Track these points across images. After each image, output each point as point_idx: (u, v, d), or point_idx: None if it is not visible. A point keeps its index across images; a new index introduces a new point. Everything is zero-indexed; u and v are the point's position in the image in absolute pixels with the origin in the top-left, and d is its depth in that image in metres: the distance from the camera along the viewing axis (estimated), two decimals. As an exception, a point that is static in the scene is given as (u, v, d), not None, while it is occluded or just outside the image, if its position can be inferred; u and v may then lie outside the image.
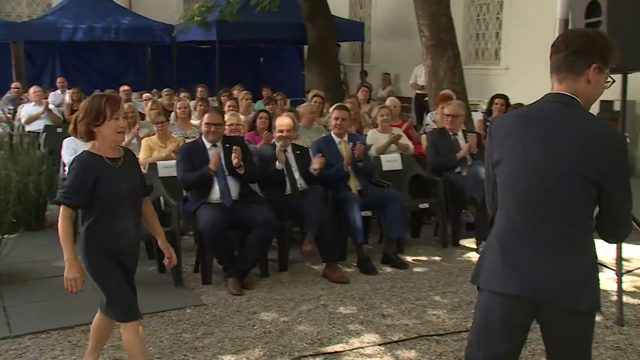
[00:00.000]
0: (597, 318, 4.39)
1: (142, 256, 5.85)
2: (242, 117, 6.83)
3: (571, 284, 2.22)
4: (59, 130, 8.75)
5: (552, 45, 2.35)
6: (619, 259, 4.42)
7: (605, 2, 4.03)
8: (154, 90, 12.53)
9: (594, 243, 2.28)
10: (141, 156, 6.57)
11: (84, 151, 3.23)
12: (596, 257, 2.30)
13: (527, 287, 2.26)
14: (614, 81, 2.38)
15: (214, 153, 5.26)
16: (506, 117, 2.44)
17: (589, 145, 2.18)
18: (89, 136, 3.19)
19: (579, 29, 2.39)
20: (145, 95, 10.65)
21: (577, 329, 2.30)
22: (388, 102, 8.01)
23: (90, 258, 3.20)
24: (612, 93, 4.43)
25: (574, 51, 2.28)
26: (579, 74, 2.28)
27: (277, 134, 5.81)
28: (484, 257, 2.41)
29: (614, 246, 4.56)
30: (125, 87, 10.96)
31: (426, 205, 6.30)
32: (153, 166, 6.06)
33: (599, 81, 2.29)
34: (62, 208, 3.17)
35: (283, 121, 5.85)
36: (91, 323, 4.35)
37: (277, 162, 5.65)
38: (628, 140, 4.44)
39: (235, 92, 10.32)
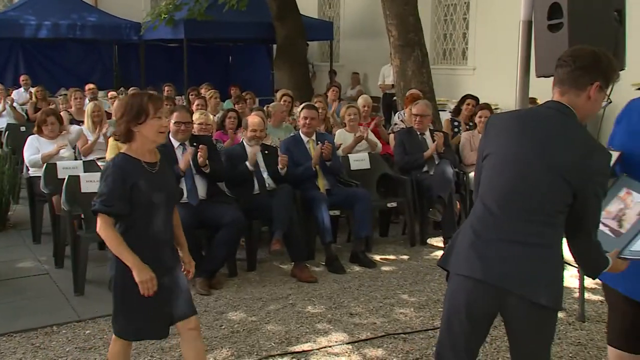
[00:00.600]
0: (560, 314, 4.50)
1: (106, 256, 5.80)
2: (211, 116, 6.78)
3: (534, 277, 2.30)
4: (23, 128, 8.59)
5: (559, 59, 2.44)
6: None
7: (566, 3, 4.11)
8: (121, 89, 12.37)
9: (562, 243, 2.36)
10: (108, 155, 6.49)
11: (119, 153, 2.97)
12: (563, 257, 2.38)
13: (491, 273, 2.34)
14: (610, 101, 2.47)
15: (186, 154, 5.20)
16: (503, 116, 2.52)
17: (580, 157, 2.28)
18: (127, 137, 2.94)
19: (585, 46, 2.48)
20: (111, 93, 10.52)
21: (537, 323, 2.36)
22: (360, 100, 8.03)
23: (123, 266, 2.89)
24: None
25: (581, 67, 2.36)
26: (581, 89, 2.36)
27: (250, 134, 5.78)
28: (455, 241, 2.50)
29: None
30: (91, 86, 10.79)
31: (394, 204, 6.34)
32: (119, 165, 5.98)
33: (597, 99, 2.38)
34: (100, 218, 2.89)
35: (254, 120, 5.83)
36: (54, 325, 4.31)
37: (247, 162, 5.63)
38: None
39: (202, 90, 10.24)
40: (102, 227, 2.89)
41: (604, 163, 2.30)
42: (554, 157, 2.30)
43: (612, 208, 2.53)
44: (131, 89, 10.56)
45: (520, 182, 2.34)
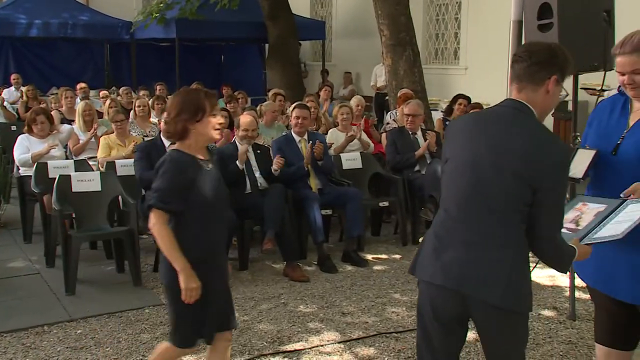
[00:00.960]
0: (551, 313, 4.54)
1: (100, 255, 5.81)
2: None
3: (494, 280, 2.26)
4: (13, 127, 8.56)
5: (515, 55, 2.41)
6: (572, 255, 4.54)
7: (556, 4, 4.14)
8: (113, 88, 12.33)
9: (526, 244, 2.31)
10: (99, 155, 6.50)
11: (173, 150, 2.85)
12: (527, 258, 2.33)
13: (450, 278, 2.32)
14: (567, 94, 2.47)
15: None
16: (462, 118, 2.54)
17: (533, 152, 2.25)
18: (182, 135, 2.82)
19: (540, 42, 2.47)
20: (103, 92, 10.49)
21: (504, 327, 2.33)
22: (354, 100, 8.05)
23: (177, 280, 2.76)
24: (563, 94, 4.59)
25: (537, 62, 2.34)
26: (539, 84, 2.34)
27: (241, 133, 5.78)
28: (420, 247, 2.48)
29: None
30: (83, 85, 10.75)
31: (386, 203, 6.36)
32: (111, 165, 5.99)
33: (555, 92, 2.37)
34: (155, 214, 2.75)
35: (246, 120, 5.83)
36: (45, 325, 4.30)
37: (237, 162, 5.63)
38: (578, 140, 4.57)
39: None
40: (156, 224, 2.75)
41: (559, 156, 2.25)
42: (505, 155, 2.27)
43: (569, 215, 2.55)
44: (122, 88, 10.54)
45: (476, 184, 2.31)
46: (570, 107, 9.45)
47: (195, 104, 2.79)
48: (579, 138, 4.59)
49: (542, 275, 5.22)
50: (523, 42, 4.53)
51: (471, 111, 6.86)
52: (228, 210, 3.00)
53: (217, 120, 2.86)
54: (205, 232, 2.83)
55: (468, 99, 7.85)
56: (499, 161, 2.28)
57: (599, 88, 4.14)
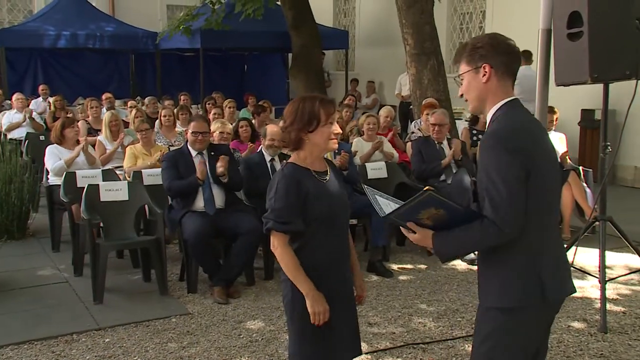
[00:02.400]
0: (581, 325, 4.46)
1: (127, 264, 5.85)
2: (230, 125, 6.83)
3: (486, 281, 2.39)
4: (42, 137, 8.68)
5: (518, 53, 2.42)
6: (602, 266, 4.47)
7: (587, 12, 4.10)
8: (138, 97, 12.47)
9: (524, 241, 2.27)
10: (126, 164, 6.56)
11: (288, 164, 2.73)
12: (522, 255, 2.28)
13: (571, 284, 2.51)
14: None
15: (199, 162, 5.24)
16: (526, 124, 2.38)
17: None
18: (297, 145, 2.71)
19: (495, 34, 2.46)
20: (131, 102, 10.62)
21: (484, 323, 2.38)
22: (383, 111, 8.01)
23: (301, 295, 2.66)
24: (593, 102, 4.52)
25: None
26: None
27: (267, 142, 5.79)
28: (541, 267, 2.37)
29: (596, 254, 4.61)
30: (109, 95, 10.90)
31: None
32: (138, 174, 6.04)
33: None
34: (275, 237, 2.65)
35: (273, 130, 5.84)
36: (74, 333, 4.34)
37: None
38: (609, 150, 4.51)
39: (217, 99, 10.30)
40: (278, 246, 2.65)
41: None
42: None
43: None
44: (148, 98, 10.64)
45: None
46: (597, 115, 9.38)
47: (310, 113, 2.68)
48: (609, 147, 4.55)
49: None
50: (552, 51, 4.50)
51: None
52: (346, 222, 2.87)
53: (334, 129, 2.72)
54: (326, 250, 2.71)
55: None
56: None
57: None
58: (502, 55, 2.35)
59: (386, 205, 2.47)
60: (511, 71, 2.38)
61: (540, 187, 2.27)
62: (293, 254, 2.66)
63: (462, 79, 2.43)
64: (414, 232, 2.37)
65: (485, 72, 2.34)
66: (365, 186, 2.60)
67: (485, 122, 2.41)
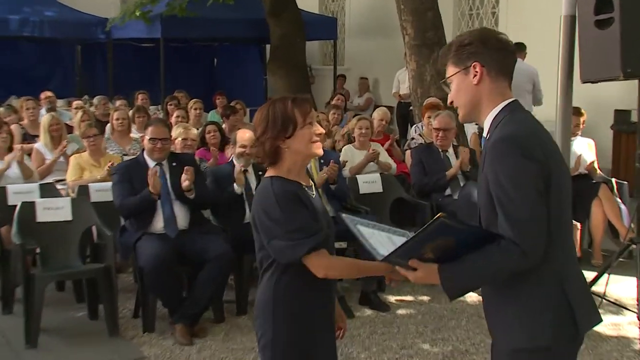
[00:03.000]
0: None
1: (69, 298, 5.79)
2: (195, 131, 6.81)
3: None
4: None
5: (512, 48, 2.46)
6: (641, 299, 4.47)
7: (619, -5, 4.11)
8: (85, 97, 12.40)
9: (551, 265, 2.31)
10: (70, 177, 6.51)
11: (273, 179, 2.70)
12: (550, 282, 2.31)
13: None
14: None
15: (151, 172, 5.19)
16: (537, 129, 2.41)
17: None
18: (274, 157, 2.70)
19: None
20: (77, 103, 10.53)
21: None
22: (377, 113, 8.04)
23: (281, 320, 2.71)
24: (628, 102, 4.54)
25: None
26: None
27: (238, 150, 5.78)
28: (574, 294, 2.41)
29: (634, 285, 4.61)
30: (49, 94, 10.80)
31: (411, 234, 6.29)
32: (84, 190, 5.99)
33: None
34: (314, 259, 2.61)
35: (244, 135, 5.83)
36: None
37: (235, 185, 5.62)
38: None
39: (181, 99, 10.28)
40: (327, 267, 2.64)
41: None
42: None
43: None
44: (97, 97, 10.59)
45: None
46: (634, 117, 9.45)
47: (283, 116, 2.68)
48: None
49: (605, 323, 5.13)
50: (577, 40, 4.52)
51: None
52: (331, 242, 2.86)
53: (315, 130, 2.72)
54: (311, 281, 2.68)
55: None
56: None
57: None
58: (493, 52, 2.38)
59: (375, 239, 2.44)
60: (506, 69, 2.41)
61: (561, 202, 2.29)
62: (340, 257, 2.78)
63: (450, 83, 2.46)
64: (414, 269, 2.34)
65: (476, 71, 2.37)
66: (344, 215, 2.57)
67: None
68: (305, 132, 2.69)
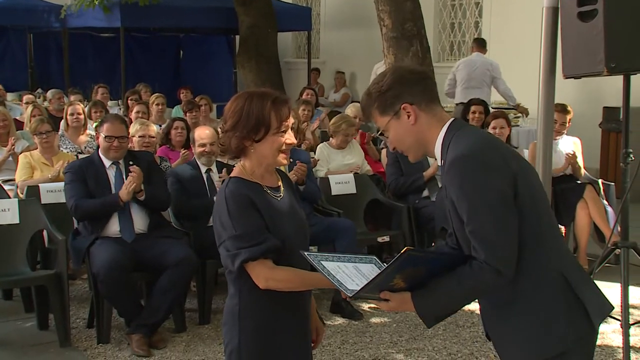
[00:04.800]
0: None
1: (17, 307, 5.75)
2: (154, 127, 6.79)
3: None
4: None
5: (422, 72, 2.58)
6: (625, 306, 4.51)
7: (603, -13, 4.16)
8: (38, 90, 12.30)
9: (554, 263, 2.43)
10: (18, 177, 6.46)
11: (231, 178, 2.74)
12: (558, 281, 2.41)
13: None
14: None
15: (133, 173, 5.19)
16: (486, 137, 2.53)
17: None
18: (239, 154, 2.74)
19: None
20: (27, 97, 10.45)
21: None
22: (351, 110, 8.06)
23: (249, 343, 2.72)
24: (618, 98, 4.61)
25: None
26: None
27: (198, 149, 5.79)
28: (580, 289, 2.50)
29: (618, 292, 4.67)
30: (-4, 86, 10.73)
31: (386, 238, 6.34)
32: (34, 190, 5.94)
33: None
34: (256, 268, 2.63)
35: (202, 132, 5.84)
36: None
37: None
38: (631, 158, 4.59)
39: (142, 94, 10.23)
40: (268, 278, 2.63)
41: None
42: None
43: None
44: (51, 91, 10.51)
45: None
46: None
47: (257, 117, 2.66)
48: (631, 156, 4.64)
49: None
50: (559, 33, 4.57)
51: (492, 123, 6.87)
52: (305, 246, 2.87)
53: (286, 139, 2.71)
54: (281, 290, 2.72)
55: (484, 104, 7.84)
56: None
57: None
58: (415, 86, 2.47)
59: (342, 274, 2.47)
60: (434, 96, 2.50)
61: (536, 201, 2.37)
62: (285, 268, 2.66)
63: (386, 133, 2.52)
64: (387, 300, 2.40)
65: (408, 112, 2.45)
66: (305, 253, 2.58)
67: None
68: (276, 139, 2.70)
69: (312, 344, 2.96)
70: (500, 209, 2.27)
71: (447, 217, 2.49)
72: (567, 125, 7.12)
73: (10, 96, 11.28)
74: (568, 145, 7.16)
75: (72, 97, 10.03)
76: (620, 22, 4.22)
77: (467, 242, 2.35)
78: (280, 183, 2.83)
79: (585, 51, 4.35)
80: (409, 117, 2.43)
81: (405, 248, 2.25)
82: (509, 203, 2.29)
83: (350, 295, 2.40)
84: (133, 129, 6.30)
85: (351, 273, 2.46)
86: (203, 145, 5.76)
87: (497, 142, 2.45)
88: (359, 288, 2.38)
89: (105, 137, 5.34)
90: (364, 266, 2.49)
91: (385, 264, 2.42)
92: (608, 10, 4.19)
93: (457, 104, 9.59)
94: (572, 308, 2.36)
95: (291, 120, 2.78)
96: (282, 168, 5.98)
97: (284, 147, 2.71)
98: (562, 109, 6.82)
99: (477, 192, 2.28)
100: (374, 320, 5.64)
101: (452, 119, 2.48)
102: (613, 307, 2.53)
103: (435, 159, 2.48)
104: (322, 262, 2.50)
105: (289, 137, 2.73)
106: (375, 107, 2.48)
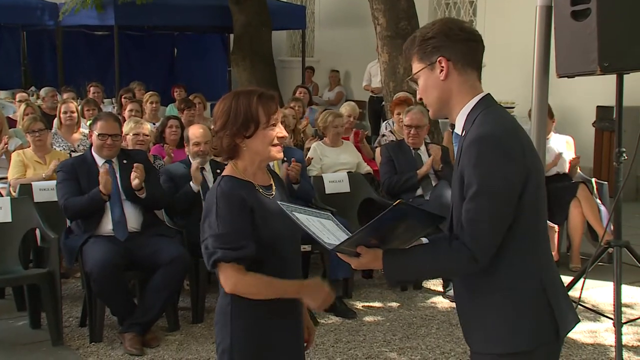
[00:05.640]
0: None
1: (9, 306, 5.75)
2: (148, 125, 6.78)
3: None
4: None
5: (479, 39, 2.50)
6: (618, 305, 4.52)
7: (596, -15, 4.17)
8: (32, 88, 12.28)
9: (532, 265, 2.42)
10: (11, 175, 6.44)
11: (223, 177, 2.76)
12: (531, 282, 2.41)
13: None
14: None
15: (102, 170, 5.18)
16: (514, 125, 2.48)
17: None
18: (232, 153, 2.75)
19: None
20: (20, 95, 10.43)
21: None
22: (345, 109, 8.05)
23: (240, 343, 2.73)
24: (611, 97, 4.61)
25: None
26: None
27: (193, 149, 5.79)
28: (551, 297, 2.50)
29: (611, 290, 4.68)
30: (-10, 84, 10.72)
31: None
32: (26, 188, 5.93)
33: None
34: (227, 271, 2.64)
35: (196, 131, 5.84)
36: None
37: (191, 183, 5.62)
38: (624, 157, 4.60)
39: (136, 92, 10.21)
40: (236, 283, 2.64)
41: None
42: None
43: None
44: (45, 89, 10.49)
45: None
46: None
47: (245, 113, 2.69)
48: (625, 155, 4.65)
49: (581, 330, 5.21)
50: (552, 32, 4.58)
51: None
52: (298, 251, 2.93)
53: (277, 133, 2.74)
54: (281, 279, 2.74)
55: None
56: None
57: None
58: (459, 44, 2.42)
59: (314, 226, 2.49)
60: (474, 61, 2.46)
61: (539, 201, 2.38)
62: (255, 275, 2.65)
63: (417, 79, 2.50)
64: (357, 255, 2.43)
65: (442, 67, 2.42)
66: (280, 202, 2.63)
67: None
68: (267, 133, 2.72)
69: (305, 344, 2.96)
70: (502, 199, 2.28)
71: (450, 200, 2.50)
72: (553, 122, 7.09)
73: (3, 94, 11.27)
74: (560, 143, 7.17)
75: (65, 96, 10.01)
76: (613, 21, 4.23)
77: (460, 223, 2.36)
78: (272, 182, 2.85)
79: (578, 50, 4.36)
80: (441, 71, 2.41)
81: (398, 201, 2.30)
82: (513, 196, 2.29)
83: (330, 249, 2.42)
84: (127, 127, 6.29)
85: (319, 227, 2.48)
86: (197, 144, 5.76)
87: (520, 132, 2.42)
88: (338, 242, 2.41)
89: (99, 135, 5.33)
90: (325, 222, 2.53)
91: (337, 220, 2.54)
92: (601, 9, 4.20)
93: None
94: (542, 315, 2.36)
95: (280, 114, 2.80)
96: (276, 168, 6.03)
97: (276, 141, 2.74)
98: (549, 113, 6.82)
99: (488, 176, 2.27)
100: (367, 319, 5.64)
101: (485, 93, 2.45)
102: (579, 320, 2.55)
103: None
104: (294, 212, 2.52)
105: (280, 131, 2.76)
106: (416, 51, 2.46)
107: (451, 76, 2.41)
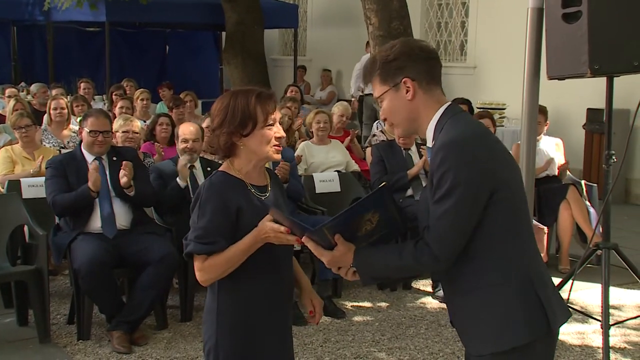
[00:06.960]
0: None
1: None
2: (138, 122, 6.77)
3: None
4: None
5: (437, 56, 2.56)
6: (605, 307, 4.54)
7: (587, -12, 4.18)
8: (22, 84, 12.23)
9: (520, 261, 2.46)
10: (-1, 171, 6.42)
11: (218, 172, 2.80)
12: (520, 278, 2.44)
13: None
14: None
15: (92, 167, 5.16)
16: (480, 129, 2.52)
17: None
18: (228, 152, 2.77)
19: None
20: (9, 90, 10.40)
21: None
22: (337, 109, 8.06)
23: (226, 342, 2.76)
24: (602, 99, 4.64)
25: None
26: None
27: (181, 145, 5.78)
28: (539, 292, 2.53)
29: (599, 292, 4.70)
30: (-21, 79, 10.67)
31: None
32: (15, 185, 5.91)
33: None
34: (198, 260, 2.70)
35: (186, 129, 5.82)
36: None
37: (178, 179, 5.62)
38: (614, 160, 4.62)
39: (127, 89, 10.18)
40: (198, 268, 2.70)
41: None
42: None
43: None
44: (35, 85, 10.46)
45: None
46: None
47: (243, 112, 2.70)
48: (614, 157, 4.67)
49: (569, 332, 5.24)
50: (544, 34, 4.60)
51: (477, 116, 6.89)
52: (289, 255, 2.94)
53: (275, 132, 2.75)
54: (261, 284, 2.76)
55: (468, 103, 7.87)
56: None
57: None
58: (421, 63, 2.48)
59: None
60: (436, 77, 2.52)
61: (516, 201, 2.42)
62: (212, 257, 2.67)
63: (380, 102, 2.53)
64: (331, 249, 2.48)
65: (408, 87, 2.46)
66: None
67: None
68: (264, 133, 2.74)
69: (313, 319, 3.02)
70: (467, 204, 2.32)
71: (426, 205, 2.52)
72: (546, 124, 7.12)
73: (-8, 89, 11.21)
74: (550, 145, 7.20)
75: (54, 92, 9.98)
76: (604, 24, 4.25)
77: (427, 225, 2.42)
78: (268, 182, 2.85)
79: (569, 52, 4.38)
80: (407, 92, 2.45)
81: (384, 183, 2.38)
82: (479, 200, 2.34)
83: (312, 229, 2.47)
84: (116, 124, 6.27)
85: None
86: (185, 141, 5.75)
87: (488, 135, 2.47)
88: (320, 224, 2.45)
89: (90, 131, 5.31)
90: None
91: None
92: (592, 12, 4.22)
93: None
94: (532, 309, 2.39)
95: (278, 114, 2.81)
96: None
97: (273, 141, 2.76)
98: (542, 110, 6.83)
99: (455, 180, 2.31)
100: (356, 318, 5.64)
101: (450, 102, 2.50)
102: (571, 315, 2.58)
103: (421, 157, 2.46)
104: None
105: (278, 131, 2.77)
106: (377, 74, 2.50)
107: (417, 95, 2.47)
